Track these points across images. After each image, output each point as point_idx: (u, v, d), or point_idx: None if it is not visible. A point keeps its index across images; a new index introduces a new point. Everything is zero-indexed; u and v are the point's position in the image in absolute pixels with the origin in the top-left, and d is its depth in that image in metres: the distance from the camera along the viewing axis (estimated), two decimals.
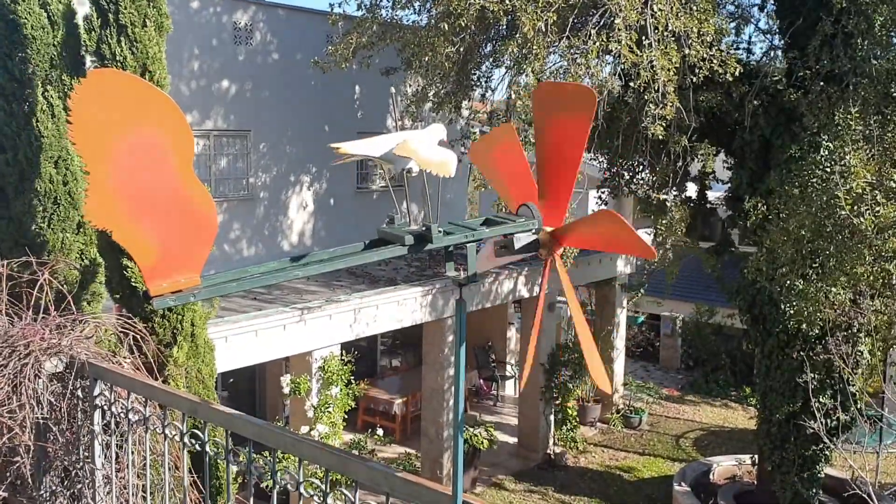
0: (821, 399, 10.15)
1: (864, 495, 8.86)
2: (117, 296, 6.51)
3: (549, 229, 2.42)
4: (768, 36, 11.45)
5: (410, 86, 12.44)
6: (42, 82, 6.07)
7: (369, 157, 2.31)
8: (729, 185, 12.15)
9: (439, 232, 2.23)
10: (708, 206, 13.81)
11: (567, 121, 2.21)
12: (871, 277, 8.53)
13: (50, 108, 6.09)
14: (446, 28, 9.56)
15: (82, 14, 6.32)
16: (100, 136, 1.92)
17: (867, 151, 8.69)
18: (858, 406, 10.27)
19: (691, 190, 13.59)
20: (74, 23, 6.32)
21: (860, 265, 8.40)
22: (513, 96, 9.83)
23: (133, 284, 6.30)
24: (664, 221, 11.39)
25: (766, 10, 11.56)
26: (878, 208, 8.16)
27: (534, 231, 2.39)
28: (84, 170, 2.03)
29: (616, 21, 8.84)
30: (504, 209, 2.78)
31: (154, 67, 6.09)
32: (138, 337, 4.50)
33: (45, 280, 4.51)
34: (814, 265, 9.21)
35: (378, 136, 2.38)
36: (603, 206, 14.11)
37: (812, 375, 10.01)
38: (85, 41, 6.07)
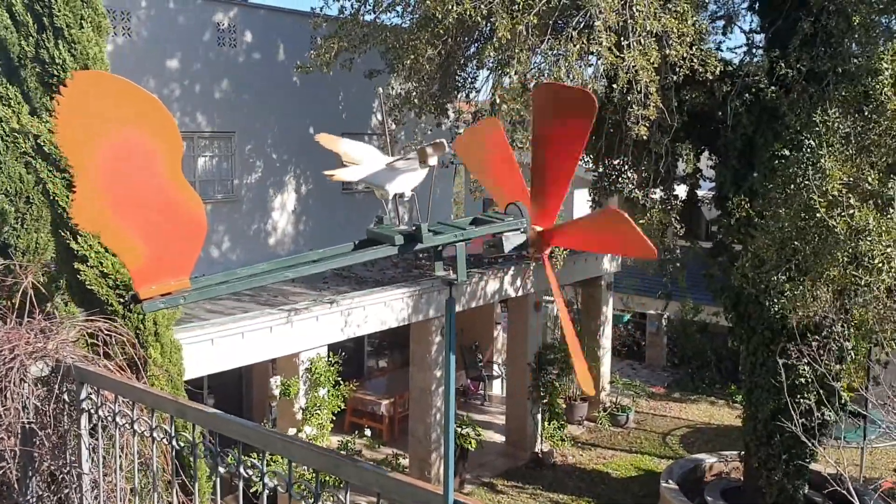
0: (805, 395, 10.21)
1: (844, 491, 8.90)
2: (75, 299, 6.40)
3: (538, 229, 2.42)
4: (751, 35, 11.50)
5: (394, 88, 12.42)
6: (6, 81, 5.98)
7: (363, 182, 2.34)
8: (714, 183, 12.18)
9: (429, 232, 2.22)
10: (697, 204, 13.83)
11: (566, 124, 2.20)
12: (845, 281, 8.57)
13: (18, 107, 5.99)
14: (426, 36, 9.55)
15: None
16: (86, 139, 1.90)
17: (844, 152, 8.72)
18: (843, 403, 10.34)
19: (681, 189, 13.61)
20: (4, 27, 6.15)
21: (834, 269, 8.43)
22: (497, 100, 9.79)
23: (88, 287, 6.18)
24: (642, 221, 11.42)
25: (746, 8, 11.63)
26: (851, 211, 8.19)
27: (522, 230, 2.39)
28: (71, 172, 2.00)
29: (596, 23, 8.84)
30: (494, 206, 2.78)
31: (95, 68, 5.92)
32: (111, 339, 4.45)
33: (28, 284, 4.48)
34: (798, 264, 9.25)
35: (367, 157, 2.40)
36: (591, 206, 14.12)
37: (796, 372, 10.06)
38: (24, 47, 5.91)
